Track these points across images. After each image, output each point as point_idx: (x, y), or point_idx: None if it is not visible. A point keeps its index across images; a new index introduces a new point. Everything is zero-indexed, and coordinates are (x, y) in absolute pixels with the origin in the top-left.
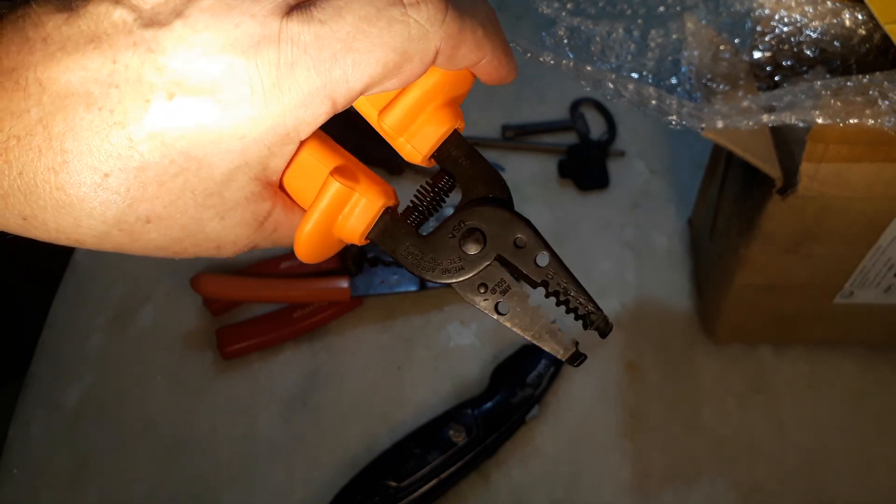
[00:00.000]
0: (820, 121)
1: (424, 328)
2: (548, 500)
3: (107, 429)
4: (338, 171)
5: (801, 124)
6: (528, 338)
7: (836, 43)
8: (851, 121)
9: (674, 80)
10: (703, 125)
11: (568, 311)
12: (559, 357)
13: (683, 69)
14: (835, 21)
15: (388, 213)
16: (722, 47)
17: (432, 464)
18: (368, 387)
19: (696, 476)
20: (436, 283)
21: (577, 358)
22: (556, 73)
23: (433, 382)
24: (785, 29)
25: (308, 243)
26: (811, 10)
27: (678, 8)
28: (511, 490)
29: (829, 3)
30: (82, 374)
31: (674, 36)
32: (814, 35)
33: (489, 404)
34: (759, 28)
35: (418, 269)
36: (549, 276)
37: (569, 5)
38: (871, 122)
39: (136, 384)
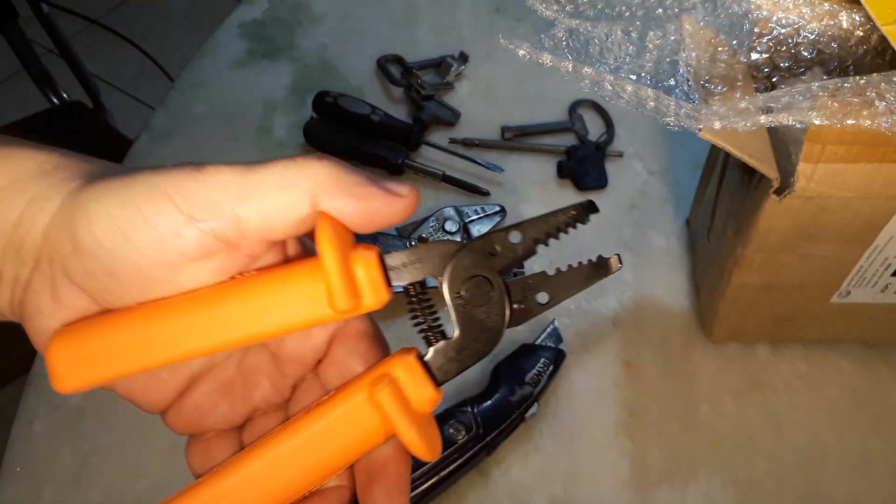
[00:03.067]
0: (817, 122)
1: None
2: (547, 497)
3: (109, 427)
4: (370, 388)
5: (798, 125)
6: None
7: (833, 44)
8: (848, 122)
9: (672, 82)
10: (701, 126)
11: (582, 265)
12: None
13: (681, 70)
14: (832, 23)
15: (419, 354)
16: (720, 49)
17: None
18: None
19: (694, 473)
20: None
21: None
22: (555, 75)
23: None
24: (782, 30)
25: (420, 446)
26: (809, 12)
27: (676, 10)
28: (510, 487)
29: (826, 4)
30: None
31: (672, 37)
32: (811, 37)
33: (489, 402)
34: (756, 30)
35: (483, 355)
36: (531, 235)
37: (567, 7)
38: (867, 122)
39: None
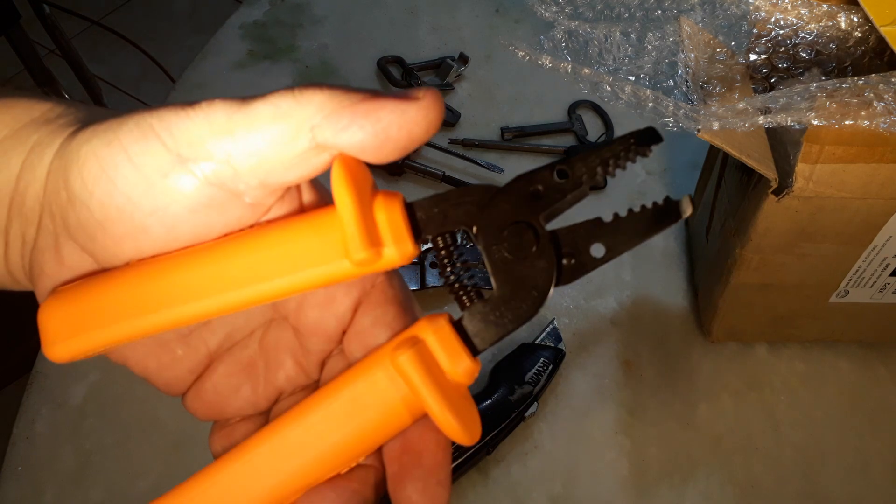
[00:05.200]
0: (815, 122)
1: None
2: (546, 496)
3: (111, 426)
4: (392, 354)
5: (796, 126)
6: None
7: (831, 45)
8: (846, 122)
9: (670, 83)
10: (700, 127)
11: (645, 208)
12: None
13: (680, 72)
14: (830, 24)
15: (451, 318)
16: (718, 50)
17: None
18: None
19: (692, 472)
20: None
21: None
22: (555, 76)
23: None
24: (781, 31)
25: (453, 423)
26: (807, 13)
27: (675, 11)
28: (510, 486)
29: (824, 5)
30: (87, 372)
31: (670, 39)
32: (809, 38)
33: (488, 402)
34: (755, 31)
35: (527, 318)
36: (582, 171)
37: (567, 9)
38: (866, 123)
39: (140, 382)
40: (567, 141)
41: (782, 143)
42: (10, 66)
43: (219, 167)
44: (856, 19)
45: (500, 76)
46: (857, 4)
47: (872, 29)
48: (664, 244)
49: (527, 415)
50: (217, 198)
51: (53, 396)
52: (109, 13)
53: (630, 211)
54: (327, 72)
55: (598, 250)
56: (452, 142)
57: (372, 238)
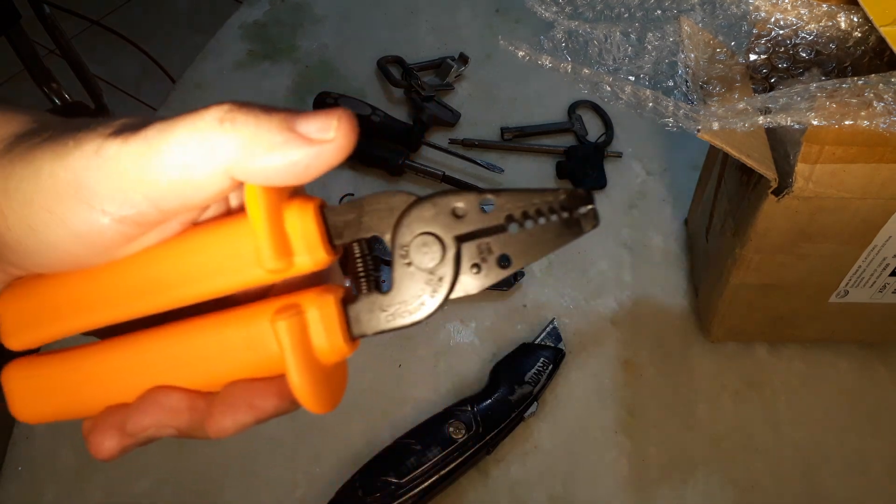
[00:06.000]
0: (815, 122)
1: (424, 327)
2: (546, 495)
3: None
4: (273, 316)
5: (796, 126)
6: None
7: (831, 45)
8: (846, 122)
9: (670, 83)
10: (700, 127)
11: (550, 220)
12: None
13: (680, 72)
14: (830, 24)
15: (344, 297)
16: (718, 50)
17: (432, 460)
18: (369, 384)
19: (692, 472)
20: (446, 302)
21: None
22: (555, 76)
23: (433, 380)
24: (781, 31)
25: (306, 393)
26: (807, 13)
27: (675, 11)
28: (510, 486)
29: (824, 6)
30: None
31: (670, 39)
32: (809, 38)
33: (488, 401)
34: (755, 31)
35: (412, 324)
36: (507, 209)
37: (567, 9)
38: (865, 123)
39: None
40: (567, 141)
41: (782, 143)
42: (11, 66)
43: (143, 210)
44: (856, 19)
45: (500, 76)
46: (857, 4)
47: (872, 29)
48: (664, 244)
49: (527, 415)
50: (148, 229)
51: None
52: (109, 13)
53: (536, 223)
54: (327, 72)
55: (505, 261)
56: (452, 142)
57: (283, 249)
